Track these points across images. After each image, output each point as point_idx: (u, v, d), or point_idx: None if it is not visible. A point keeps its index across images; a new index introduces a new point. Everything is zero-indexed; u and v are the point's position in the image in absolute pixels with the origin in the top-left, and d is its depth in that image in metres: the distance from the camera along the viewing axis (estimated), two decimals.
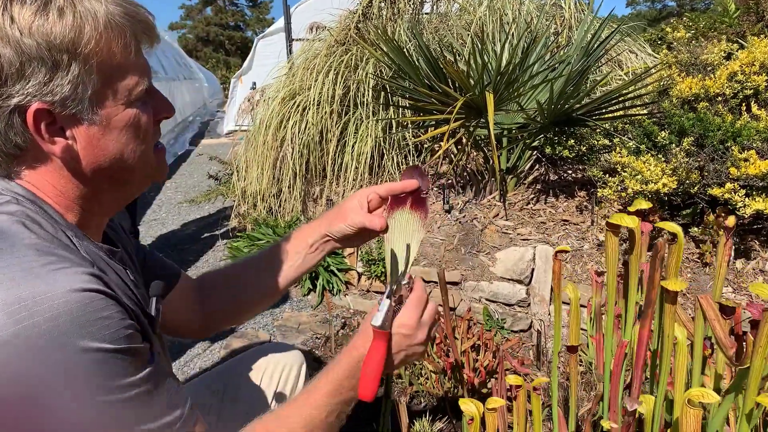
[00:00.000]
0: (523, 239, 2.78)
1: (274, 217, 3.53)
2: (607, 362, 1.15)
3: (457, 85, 3.00)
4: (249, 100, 4.19)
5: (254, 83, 7.98)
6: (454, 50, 3.46)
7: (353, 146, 3.40)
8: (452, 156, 3.54)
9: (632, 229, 1.05)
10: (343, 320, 2.71)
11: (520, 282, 2.62)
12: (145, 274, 0.89)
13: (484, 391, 1.98)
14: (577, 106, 2.82)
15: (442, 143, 3.56)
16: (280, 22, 8.37)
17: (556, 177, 3.31)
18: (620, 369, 1.11)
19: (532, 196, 3.08)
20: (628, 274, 1.11)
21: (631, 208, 1.08)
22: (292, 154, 3.43)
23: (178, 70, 11.42)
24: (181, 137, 9.68)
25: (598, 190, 2.61)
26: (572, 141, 2.95)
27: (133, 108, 0.68)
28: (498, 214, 2.99)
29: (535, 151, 3.28)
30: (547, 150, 3.01)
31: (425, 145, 3.60)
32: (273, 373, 1.11)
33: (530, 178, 3.27)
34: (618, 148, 2.67)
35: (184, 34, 41.76)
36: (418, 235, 0.85)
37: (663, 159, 2.60)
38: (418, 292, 0.81)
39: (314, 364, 2.21)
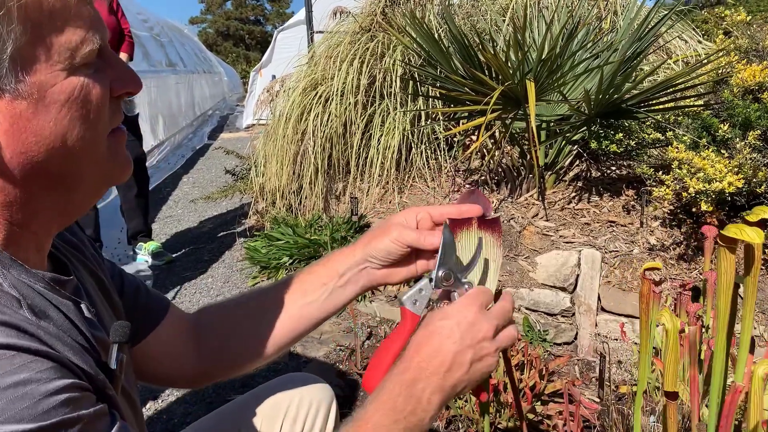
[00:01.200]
0: (567, 242, 2.68)
1: (294, 215, 3.44)
2: (712, 413, 0.92)
3: (493, 73, 2.79)
4: (268, 91, 4.08)
5: (274, 76, 7.86)
6: (491, 37, 3.25)
7: (379, 139, 3.28)
8: (485, 151, 3.38)
9: (752, 245, 0.83)
10: (369, 330, 2.59)
11: (563, 289, 2.51)
12: (123, 306, 0.73)
13: (531, 417, 1.75)
14: (627, 96, 2.59)
15: (474, 137, 3.41)
16: (300, 14, 8.22)
17: (599, 174, 3.12)
18: (731, 422, 0.88)
19: (574, 194, 2.95)
20: (739, 297, 0.88)
21: (751, 218, 0.85)
22: (313, 148, 3.34)
23: (198, 64, 11.36)
24: (200, 131, 9.63)
25: (654, 189, 2.37)
26: (620, 134, 2.71)
27: (78, 75, 0.50)
28: (537, 214, 2.88)
29: (576, 146, 3.09)
30: (593, 144, 2.79)
31: (456, 139, 3.45)
32: (297, 413, 0.94)
33: (570, 174, 3.10)
34: (674, 143, 2.42)
35: (204, 28, 41.99)
36: (495, 263, 0.73)
37: (726, 155, 2.34)
38: (484, 289, 0.69)
39: (339, 380, 2.02)
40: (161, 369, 0.80)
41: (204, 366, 0.82)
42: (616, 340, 2.40)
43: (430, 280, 0.69)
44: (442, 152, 3.36)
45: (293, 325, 0.82)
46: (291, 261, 2.97)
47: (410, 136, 3.33)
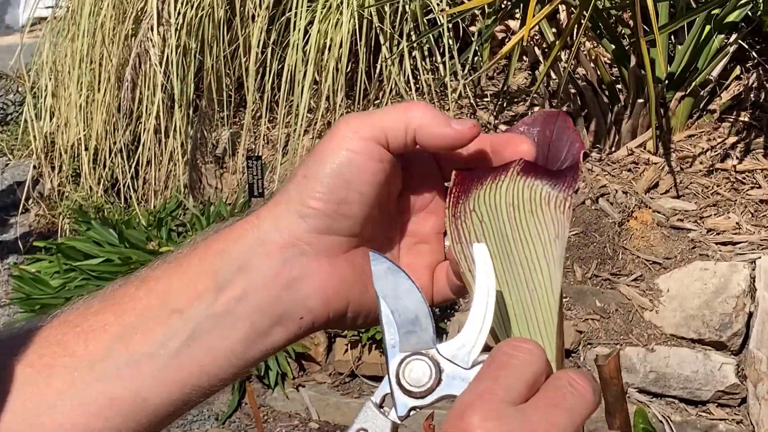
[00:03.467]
0: (722, 243, 2.74)
1: (124, 201, 3.49)
2: None
3: None
4: None
5: None
6: None
7: (307, 30, 3.29)
8: (538, 52, 3.40)
9: None
10: None
11: (719, 347, 2.58)
12: None
13: None
14: None
15: (514, 22, 3.40)
16: None
17: None
18: None
19: (734, 139, 3.02)
20: None
21: None
22: (161, 53, 3.32)
23: None
24: None
25: None
26: None
27: None
28: (656, 185, 2.92)
29: (735, 36, 3.08)
30: None
31: (475, 28, 3.45)
32: None
33: (724, 98, 3.14)
34: None
35: None
36: (555, 244, 0.73)
37: None
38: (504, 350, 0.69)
39: None
40: None
41: None
42: None
43: (378, 404, 0.68)
44: (446, 57, 3.36)
45: (91, 424, 0.76)
46: None
47: (376, 20, 3.33)
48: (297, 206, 0.75)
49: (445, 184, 0.79)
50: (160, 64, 3.33)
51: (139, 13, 3.43)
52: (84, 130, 3.45)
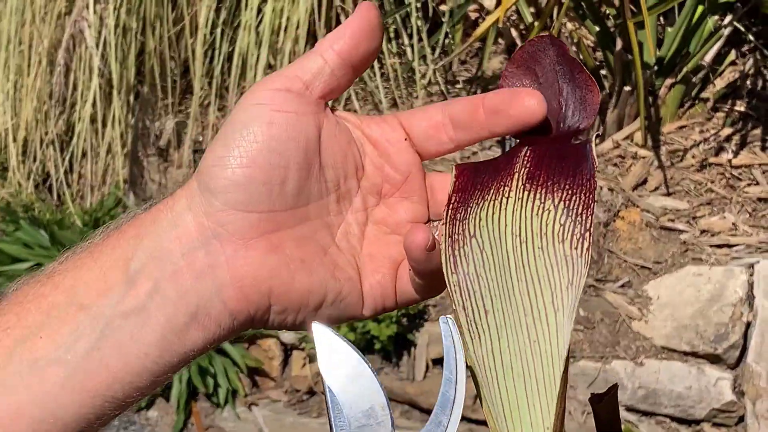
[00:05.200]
0: (717, 245, 2.80)
1: (57, 199, 3.53)
2: None
3: None
4: None
5: None
6: None
7: (259, 11, 3.32)
8: (515, 33, 3.40)
9: None
10: None
11: (715, 359, 2.62)
12: None
13: None
14: None
15: (488, 1, 3.43)
16: None
17: None
18: None
19: (730, 131, 3.06)
20: None
21: None
22: (99, 36, 3.35)
23: None
24: None
25: None
26: None
27: None
28: (644, 181, 2.97)
29: (730, 18, 3.09)
30: None
31: (446, 7, 3.46)
32: None
33: (717, 86, 3.18)
34: None
35: None
36: (567, 292, 0.68)
37: None
38: None
39: None
40: None
41: None
42: None
43: None
44: (415, 39, 3.38)
45: None
46: None
47: None
48: (205, 178, 0.73)
49: (423, 162, 0.79)
50: (97, 46, 3.35)
51: None
52: (12, 119, 3.48)
